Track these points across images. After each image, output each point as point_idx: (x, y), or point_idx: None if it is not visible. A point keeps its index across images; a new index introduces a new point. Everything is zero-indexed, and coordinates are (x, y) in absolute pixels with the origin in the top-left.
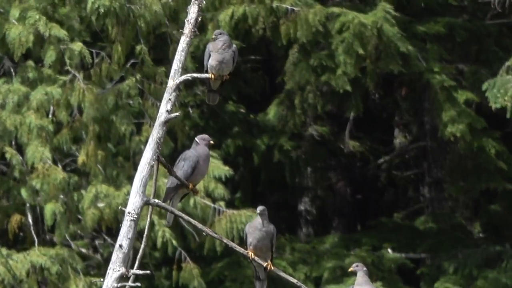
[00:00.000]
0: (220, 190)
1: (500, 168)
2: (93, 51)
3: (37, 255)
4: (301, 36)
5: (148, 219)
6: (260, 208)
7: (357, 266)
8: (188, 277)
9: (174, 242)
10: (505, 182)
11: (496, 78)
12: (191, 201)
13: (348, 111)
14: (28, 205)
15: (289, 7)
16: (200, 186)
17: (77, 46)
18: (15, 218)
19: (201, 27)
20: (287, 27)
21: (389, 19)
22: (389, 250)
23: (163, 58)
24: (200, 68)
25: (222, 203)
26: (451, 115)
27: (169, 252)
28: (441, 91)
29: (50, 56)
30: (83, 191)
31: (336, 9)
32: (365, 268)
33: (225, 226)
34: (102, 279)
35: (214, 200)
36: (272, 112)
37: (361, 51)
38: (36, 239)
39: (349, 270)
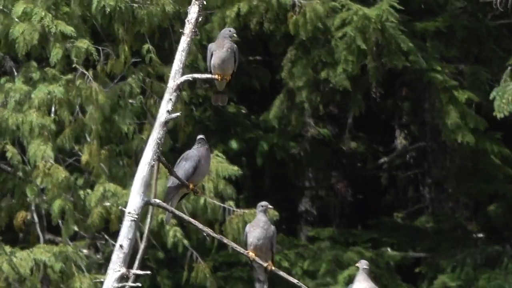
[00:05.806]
0: (230, 190)
1: (502, 171)
2: (100, 48)
3: (41, 253)
4: (308, 28)
5: (149, 219)
6: (263, 204)
7: (360, 263)
8: (200, 277)
9: (185, 241)
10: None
11: (503, 85)
12: (201, 201)
13: (349, 111)
14: (32, 203)
15: (296, 0)
16: (209, 186)
17: (84, 43)
18: (21, 215)
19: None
20: (295, 20)
21: (393, 13)
22: (388, 249)
23: (167, 58)
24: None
25: (231, 203)
26: (454, 119)
27: (179, 252)
28: (442, 92)
29: (56, 53)
30: (88, 190)
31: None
32: (367, 267)
33: (236, 225)
34: (103, 279)
35: (223, 200)
36: (272, 111)
37: (363, 46)
38: (41, 237)
39: (356, 265)
